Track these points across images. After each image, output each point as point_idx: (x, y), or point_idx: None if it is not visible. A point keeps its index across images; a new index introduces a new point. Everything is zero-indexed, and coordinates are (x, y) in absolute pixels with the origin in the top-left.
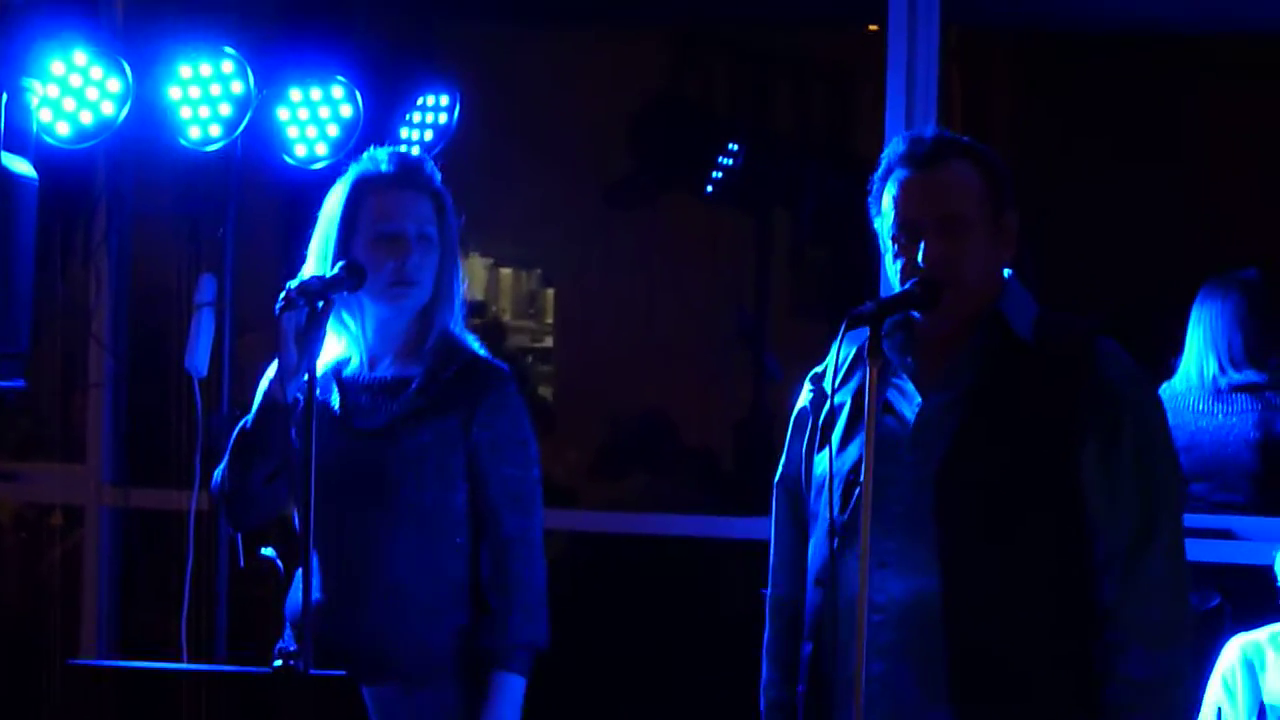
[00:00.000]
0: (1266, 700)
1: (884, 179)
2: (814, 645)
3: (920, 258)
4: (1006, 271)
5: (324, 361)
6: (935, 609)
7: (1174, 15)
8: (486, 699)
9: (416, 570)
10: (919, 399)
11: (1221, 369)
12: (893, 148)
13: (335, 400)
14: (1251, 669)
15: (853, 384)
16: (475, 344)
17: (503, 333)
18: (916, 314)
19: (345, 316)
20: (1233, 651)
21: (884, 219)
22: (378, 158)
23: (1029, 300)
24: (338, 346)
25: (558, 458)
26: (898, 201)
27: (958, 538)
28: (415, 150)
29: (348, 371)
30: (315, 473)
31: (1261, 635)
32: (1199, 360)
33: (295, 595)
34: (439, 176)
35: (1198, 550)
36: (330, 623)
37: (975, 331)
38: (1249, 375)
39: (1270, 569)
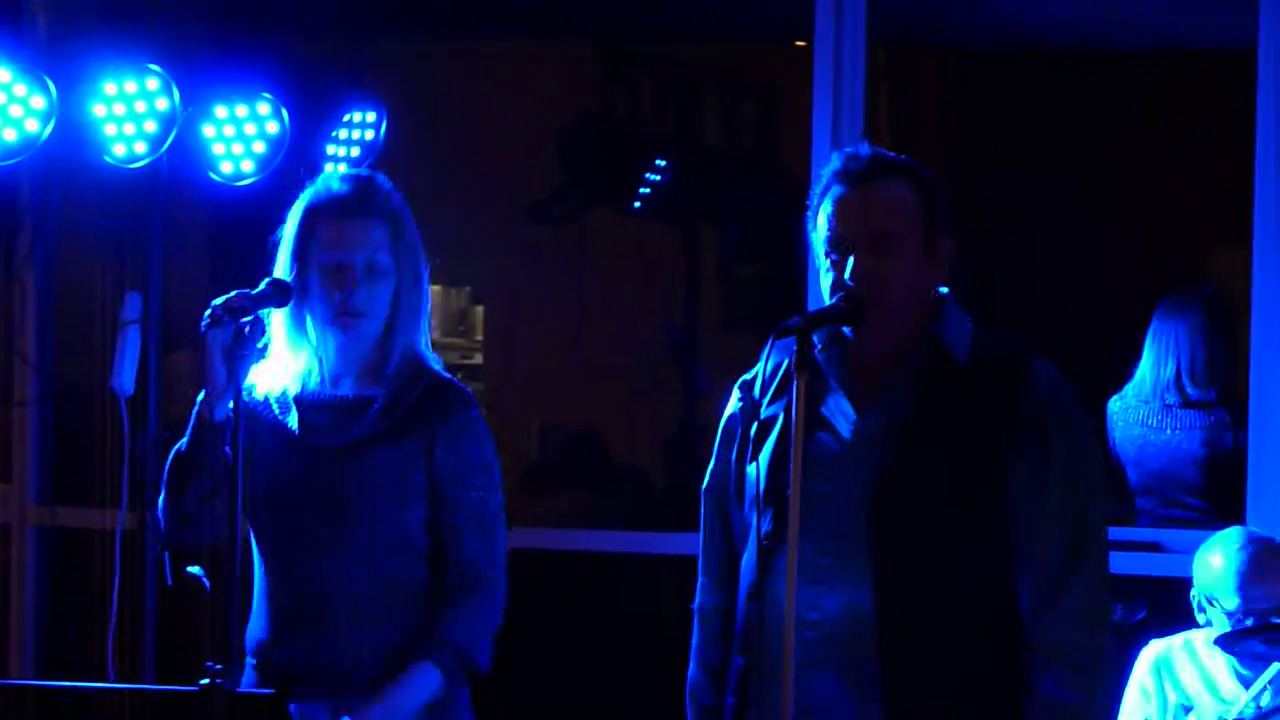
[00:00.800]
0: (1182, 700)
1: (821, 195)
2: (745, 659)
3: (848, 274)
4: (943, 290)
5: (283, 380)
6: (868, 625)
7: (1101, 32)
8: (395, 680)
9: (372, 588)
10: (854, 416)
11: (1176, 384)
12: (830, 164)
13: (293, 419)
14: (1162, 674)
15: (784, 398)
16: (439, 365)
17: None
18: (846, 330)
19: (305, 335)
20: (1146, 659)
21: (818, 234)
22: (330, 181)
23: (965, 320)
24: (297, 363)
25: None
26: (831, 218)
27: (892, 556)
28: (340, 166)
29: (309, 389)
30: (269, 493)
31: (1175, 641)
32: (1154, 374)
33: (255, 624)
34: (395, 198)
35: (1126, 563)
36: (285, 648)
37: (913, 352)
38: (1202, 392)
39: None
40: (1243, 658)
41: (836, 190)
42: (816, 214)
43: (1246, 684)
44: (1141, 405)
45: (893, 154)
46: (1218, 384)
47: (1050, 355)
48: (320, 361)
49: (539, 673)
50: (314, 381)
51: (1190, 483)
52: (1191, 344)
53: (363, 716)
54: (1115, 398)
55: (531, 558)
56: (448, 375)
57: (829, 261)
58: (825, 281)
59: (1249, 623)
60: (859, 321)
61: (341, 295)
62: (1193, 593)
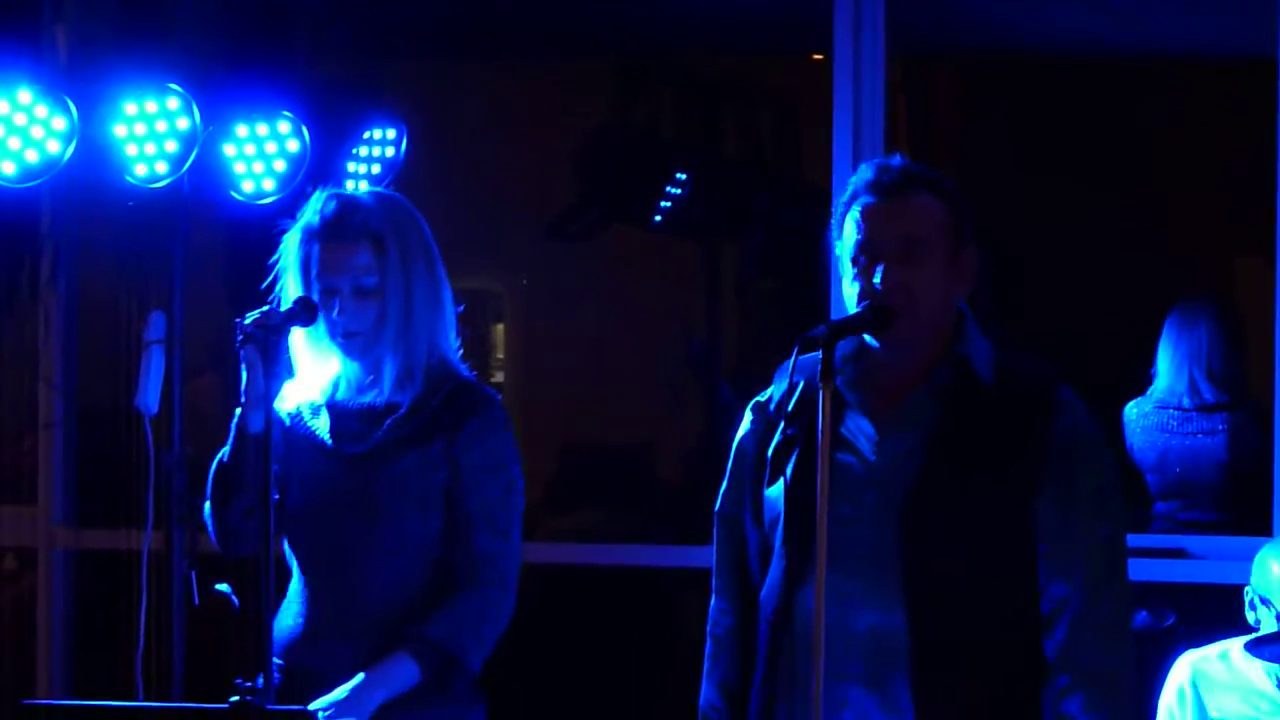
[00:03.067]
0: (1212, 716)
1: (848, 205)
2: (770, 684)
3: (877, 280)
4: (963, 307)
5: (313, 392)
6: (900, 644)
7: (1118, 40)
8: (369, 670)
9: (394, 597)
10: (876, 436)
11: (1194, 389)
12: (859, 175)
13: (324, 428)
14: (1199, 686)
15: (803, 417)
16: (464, 368)
17: None
18: (872, 340)
19: (329, 350)
20: (1184, 669)
21: (845, 243)
22: (314, 205)
23: (985, 341)
24: (325, 375)
25: None
26: (860, 225)
27: (924, 577)
28: (361, 184)
29: (338, 397)
30: (305, 501)
31: (1212, 651)
32: (1171, 380)
33: (281, 622)
34: (381, 214)
35: (1153, 570)
36: (314, 651)
37: (937, 370)
38: (1220, 395)
39: (1223, 587)
40: (1276, 661)
41: (866, 199)
42: (843, 223)
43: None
44: (1160, 411)
45: (921, 166)
46: (1234, 387)
47: (1071, 364)
48: (346, 370)
49: (560, 685)
50: (342, 390)
51: (1213, 486)
52: (1208, 348)
53: (331, 706)
54: (1132, 404)
55: (554, 571)
56: (473, 377)
57: (855, 270)
58: (850, 291)
59: None
60: (885, 330)
61: (331, 317)
62: (1247, 590)
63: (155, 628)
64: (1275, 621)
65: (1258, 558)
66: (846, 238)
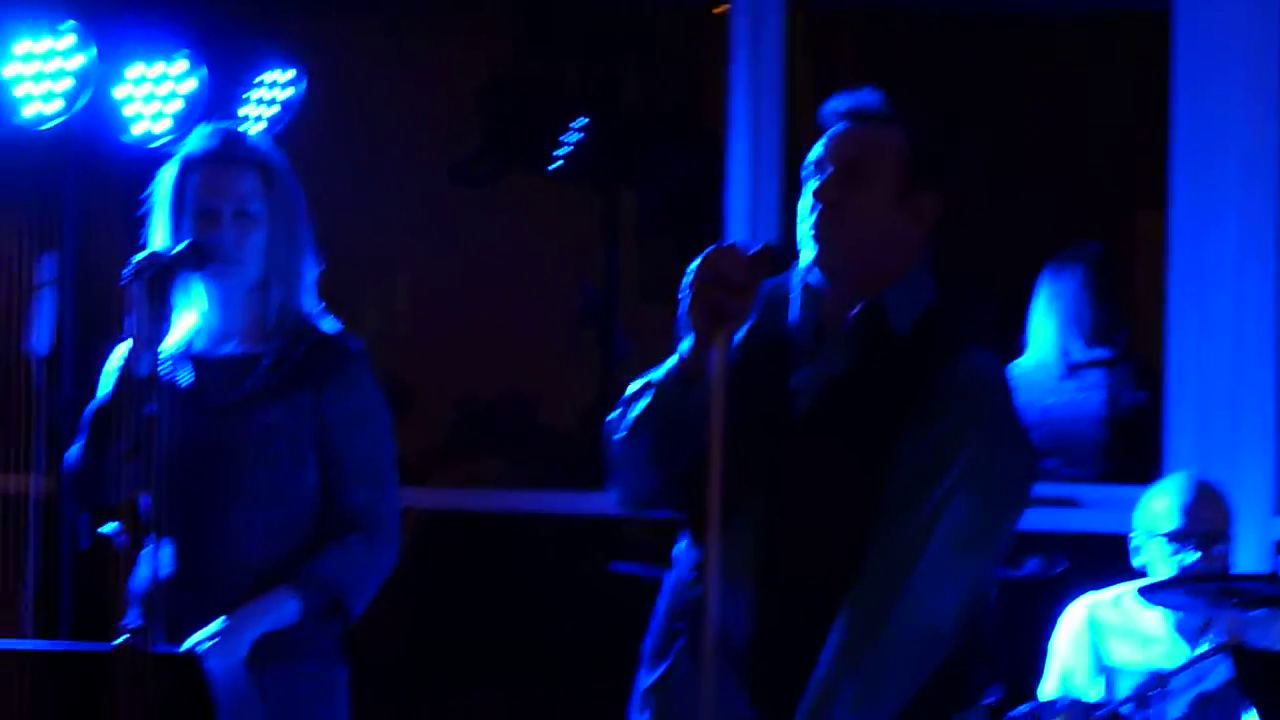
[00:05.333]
0: (1110, 663)
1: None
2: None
3: (808, 197)
4: (922, 261)
5: (175, 339)
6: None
7: None
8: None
9: (267, 548)
10: (801, 373)
11: (1071, 346)
12: (837, 103)
13: (187, 378)
14: (1095, 631)
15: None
16: (329, 322)
17: None
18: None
19: (192, 294)
20: (1079, 613)
21: (808, 165)
22: (202, 133)
23: (928, 292)
24: (185, 323)
25: (409, 442)
26: (821, 145)
27: (783, 511)
28: (257, 125)
29: (197, 348)
30: (169, 450)
31: (1106, 596)
32: (1049, 338)
33: (141, 572)
34: (268, 149)
35: (1045, 519)
36: (180, 600)
37: (857, 314)
38: (1098, 351)
39: (1114, 536)
40: (1171, 609)
41: (834, 125)
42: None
43: (1183, 634)
44: (1040, 369)
45: (895, 104)
46: (1113, 342)
47: (953, 302)
48: (207, 321)
49: (460, 635)
50: (202, 340)
51: (1095, 440)
52: (1079, 305)
53: (207, 640)
54: (1015, 362)
55: (450, 519)
56: (336, 330)
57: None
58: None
59: (1187, 555)
60: (783, 268)
61: (210, 241)
62: (1132, 536)
63: (43, 572)
64: (1166, 545)
65: (1140, 504)
66: (810, 159)
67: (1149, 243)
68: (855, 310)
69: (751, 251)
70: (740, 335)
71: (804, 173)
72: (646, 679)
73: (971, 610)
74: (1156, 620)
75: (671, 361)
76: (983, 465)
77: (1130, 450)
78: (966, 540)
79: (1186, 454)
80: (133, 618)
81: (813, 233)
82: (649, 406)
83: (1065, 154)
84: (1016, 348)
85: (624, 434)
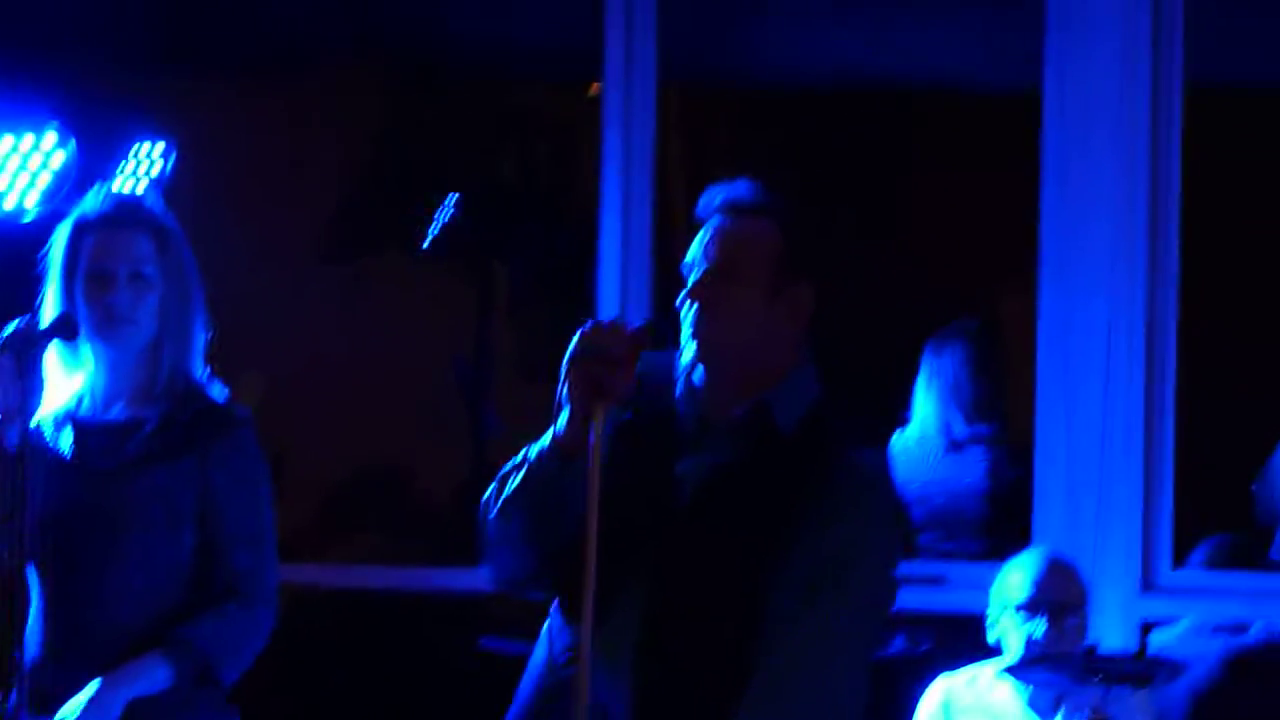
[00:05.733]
0: None
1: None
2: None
3: (682, 296)
4: (808, 358)
5: (56, 404)
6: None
7: (890, 72)
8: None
9: (142, 612)
10: (681, 463)
11: (952, 422)
12: (710, 196)
13: (66, 443)
14: (949, 709)
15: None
16: (216, 389)
17: None
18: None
19: (78, 357)
20: (936, 693)
21: (685, 262)
22: (95, 198)
23: (810, 387)
24: (69, 388)
25: (283, 516)
26: (696, 244)
27: (654, 619)
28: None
29: (81, 413)
30: (46, 515)
31: (961, 677)
32: (930, 413)
33: (29, 648)
34: (162, 213)
35: (909, 598)
36: (58, 673)
37: (742, 409)
38: (979, 428)
39: (980, 615)
40: (1034, 685)
41: (711, 220)
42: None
43: (1037, 710)
44: (921, 444)
45: (768, 196)
46: (993, 418)
47: (836, 395)
48: (92, 386)
49: (324, 709)
50: (86, 405)
51: (972, 518)
52: (960, 379)
53: (75, 712)
54: (898, 435)
55: (325, 595)
56: (223, 398)
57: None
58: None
59: (1037, 626)
60: (662, 344)
61: (104, 302)
62: (988, 613)
63: None
64: (1019, 619)
65: (995, 582)
66: (689, 257)
67: (1026, 321)
68: (741, 409)
69: (631, 327)
70: (624, 418)
71: (683, 269)
72: None
73: (864, 701)
74: (1009, 697)
75: (547, 437)
76: (877, 569)
77: (1008, 527)
78: (863, 630)
79: (1054, 531)
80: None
81: (690, 331)
82: (523, 483)
83: (943, 233)
84: (898, 422)
85: (497, 512)
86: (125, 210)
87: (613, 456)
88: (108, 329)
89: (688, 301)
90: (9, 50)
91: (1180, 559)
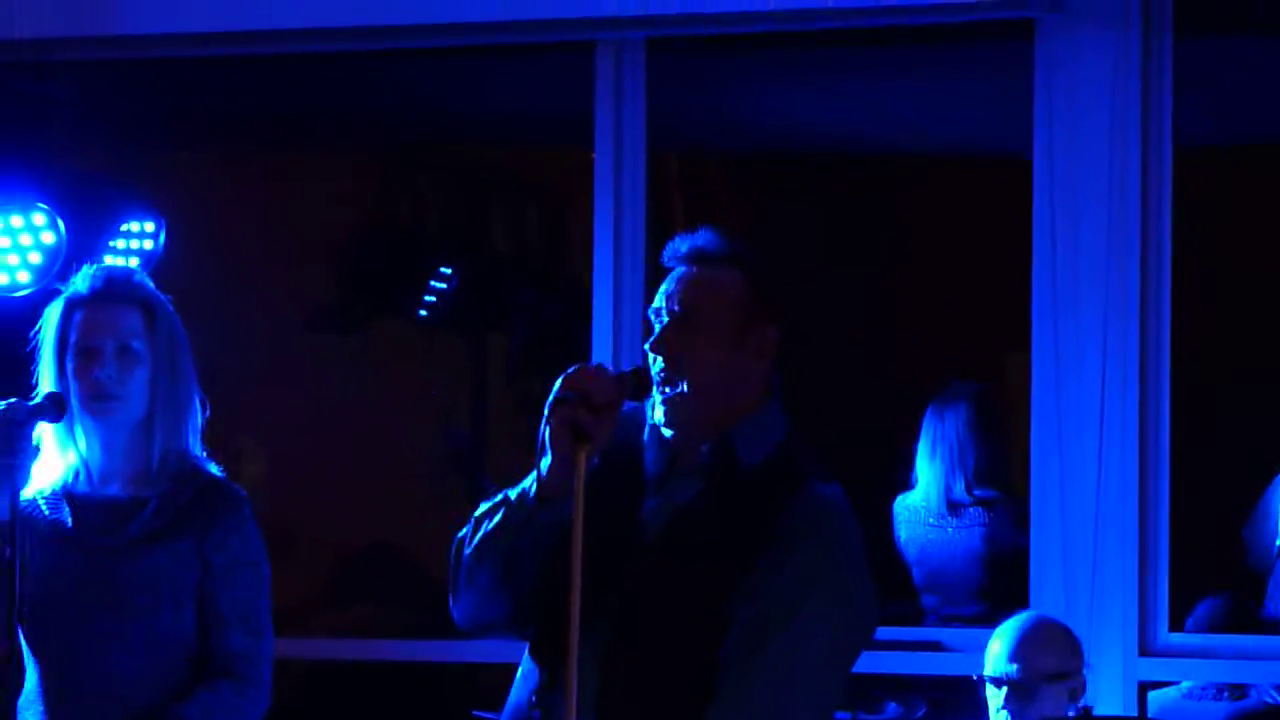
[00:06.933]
0: None
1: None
2: None
3: (648, 344)
4: (774, 395)
5: (50, 479)
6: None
7: (881, 135)
8: None
9: (143, 691)
10: (649, 503)
11: (953, 484)
12: (674, 246)
13: (67, 517)
14: None
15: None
16: (213, 467)
17: None
18: (653, 411)
19: (72, 434)
20: None
21: (650, 311)
22: (85, 274)
23: (779, 430)
24: (62, 465)
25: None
26: (661, 293)
27: (618, 650)
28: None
29: (77, 489)
30: (46, 593)
31: None
32: (932, 474)
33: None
34: (150, 289)
35: (908, 663)
36: None
37: (706, 448)
38: (976, 491)
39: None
40: None
41: (674, 269)
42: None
43: None
44: (923, 505)
45: (731, 243)
46: (995, 481)
47: (832, 459)
48: (86, 461)
49: None
50: (82, 481)
51: (972, 581)
52: (963, 442)
53: None
54: (900, 497)
55: (317, 667)
56: (221, 476)
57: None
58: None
59: (1010, 702)
60: (639, 396)
61: (92, 377)
62: (984, 682)
63: None
64: (1004, 691)
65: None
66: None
67: (1024, 384)
68: (705, 446)
69: (615, 373)
70: (593, 464)
71: (651, 315)
72: None
73: None
74: None
75: (528, 480)
76: (834, 601)
77: (1008, 590)
78: (824, 668)
79: (1050, 595)
80: None
81: (656, 379)
82: (500, 524)
83: (941, 295)
84: (897, 484)
85: (471, 554)
86: (113, 285)
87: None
88: (96, 404)
89: (651, 354)
90: None
91: (1176, 617)
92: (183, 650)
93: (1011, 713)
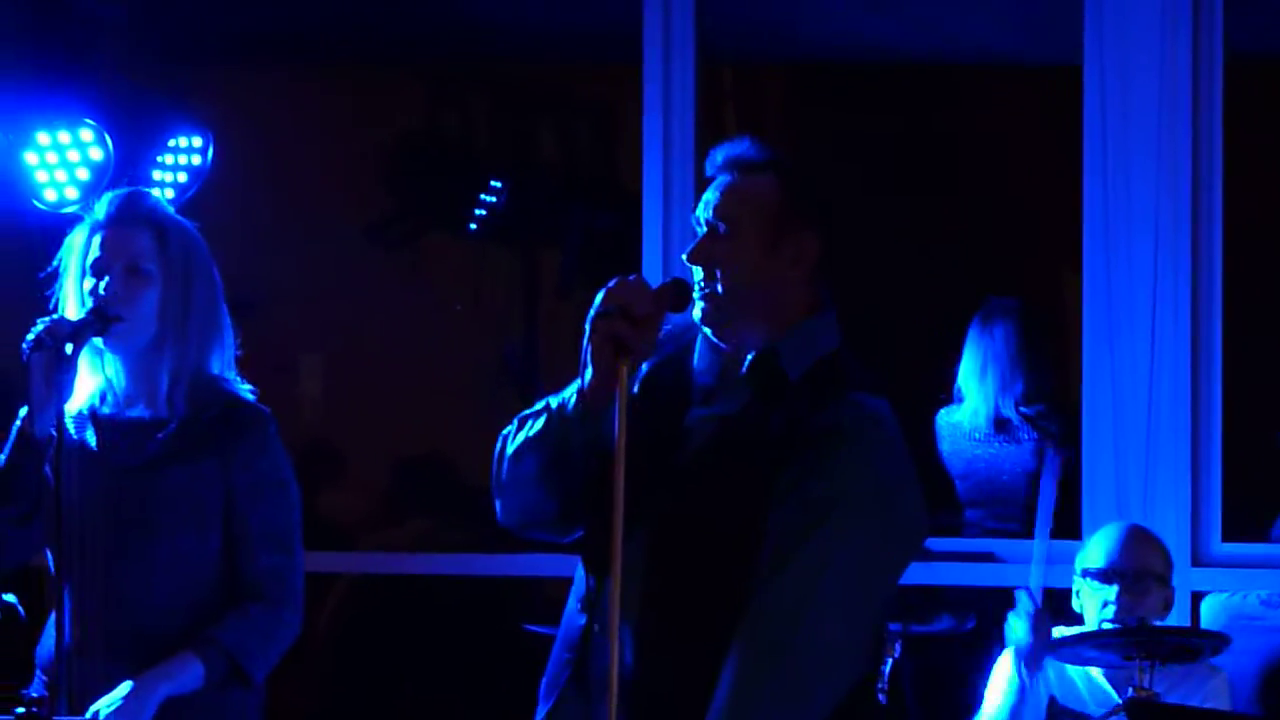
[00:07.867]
0: (1054, 691)
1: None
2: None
3: (687, 251)
4: (829, 307)
5: (78, 401)
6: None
7: (936, 47)
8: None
9: (171, 613)
10: (698, 415)
11: (1001, 399)
12: (712, 156)
13: (92, 438)
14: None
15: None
16: (239, 387)
17: None
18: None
19: (97, 358)
20: (1008, 661)
21: (692, 220)
22: (106, 198)
23: (829, 341)
24: (90, 386)
25: (336, 504)
26: (704, 203)
27: (656, 564)
28: (168, 192)
29: (102, 410)
30: (74, 512)
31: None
32: (978, 390)
33: (47, 640)
34: (166, 212)
35: (960, 574)
36: (84, 665)
37: (751, 359)
38: (1028, 407)
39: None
40: (1077, 663)
41: (715, 178)
42: None
43: (1113, 684)
44: (970, 420)
45: (767, 150)
46: (1042, 398)
47: (886, 368)
48: (111, 382)
49: (372, 689)
50: (109, 403)
51: (1019, 494)
52: (1009, 359)
53: (111, 706)
54: (944, 411)
55: (382, 582)
56: (245, 395)
57: None
58: None
59: (1109, 592)
60: (686, 303)
61: (97, 294)
62: (1072, 580)
63: None
64: (1095, 586)
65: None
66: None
67: (1062, 293)
68: (750, 357)
69: (656, 285)
70: (641, 373)
71: (693, 224)
72: (539, 713)
73: (870, 644)
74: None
75: (571, 390)
76: (870, 510)
77: (1057, 503)
78: (859, 574)
79: (1101, 507)
80: (36, 687)
81: (697, 291)
82: (542, 430)
83: (994, 208)
84: (944, 399)
85: (513, 452)
86: (127, 207)
87: (630, 411)
88: (101, 323)
89: (688, 263)
90: (46, 47)
91: (1228, 528)
92: (209, 573)
93: (1121, 606)
